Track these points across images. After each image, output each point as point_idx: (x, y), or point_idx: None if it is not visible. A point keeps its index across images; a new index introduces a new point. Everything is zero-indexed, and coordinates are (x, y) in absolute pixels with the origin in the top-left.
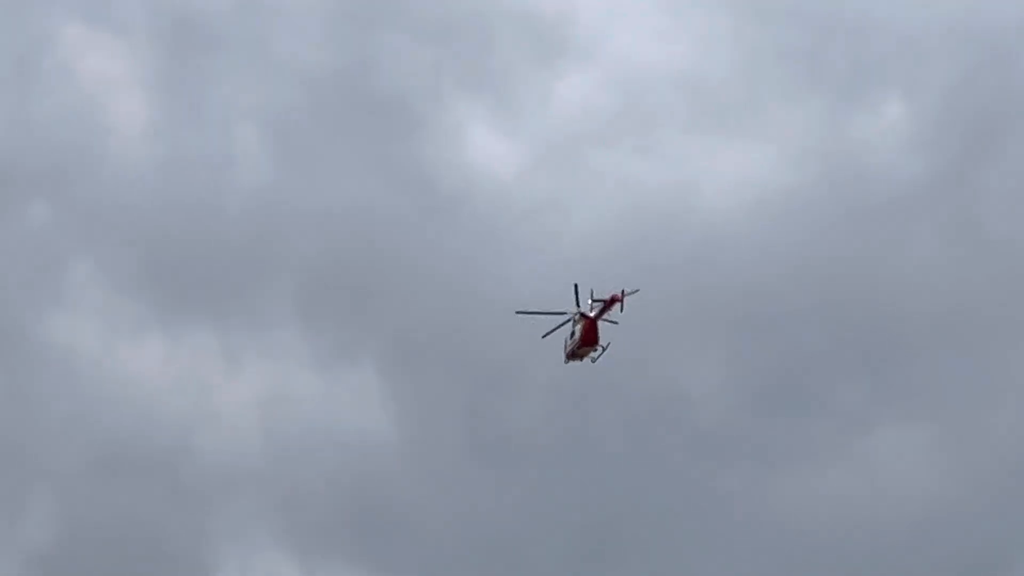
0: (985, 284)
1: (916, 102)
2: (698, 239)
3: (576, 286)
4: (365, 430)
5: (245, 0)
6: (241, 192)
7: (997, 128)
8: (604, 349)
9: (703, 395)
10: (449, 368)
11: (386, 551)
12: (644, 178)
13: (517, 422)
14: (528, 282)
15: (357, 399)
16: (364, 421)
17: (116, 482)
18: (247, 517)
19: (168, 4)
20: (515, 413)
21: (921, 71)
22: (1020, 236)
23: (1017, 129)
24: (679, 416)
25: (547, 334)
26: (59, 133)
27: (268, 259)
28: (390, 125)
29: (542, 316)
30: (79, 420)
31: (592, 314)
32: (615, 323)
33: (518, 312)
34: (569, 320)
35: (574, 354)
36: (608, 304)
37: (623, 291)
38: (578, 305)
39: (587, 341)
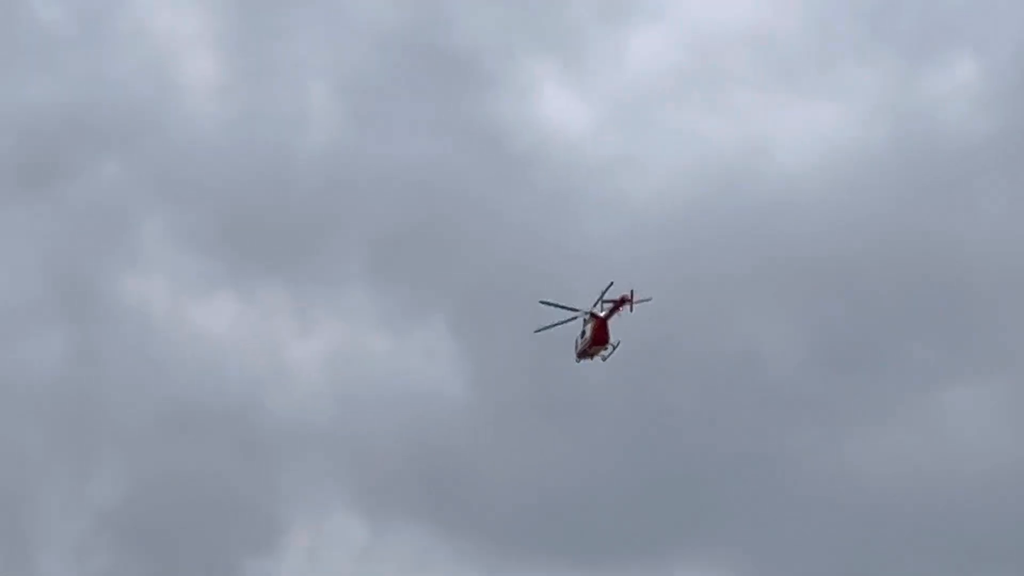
0: None
1: (987, 60)
2: (768, 197)
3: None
4: (435, 388)
5: None
6: (313, 150)
7: None
8: (615, 348)
9: (774, 353)
10: (520, 326)
11: (455, 510)
12: (715, 136)
13: (587, 379)
14: (598, 240)
15: (427, 357)
16: (434, 379)
17: (187, 440)
18: (317, 475)
19: None
20: (585, 370)
21: (993, 28)
22: None
23: None
24: (750, 374)
25: (539, 330)
26: (131, 91)
27: (339, 217)
28: (462, 83)
29: (561, 310)
30: (150, 378)
31: (603, 314)
32: (649, 299)
33: (542, 302)
34: (579, 319)
35: (585, 353)
36: (618, 304)
37: (632, 292)
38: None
39: (597, 340)
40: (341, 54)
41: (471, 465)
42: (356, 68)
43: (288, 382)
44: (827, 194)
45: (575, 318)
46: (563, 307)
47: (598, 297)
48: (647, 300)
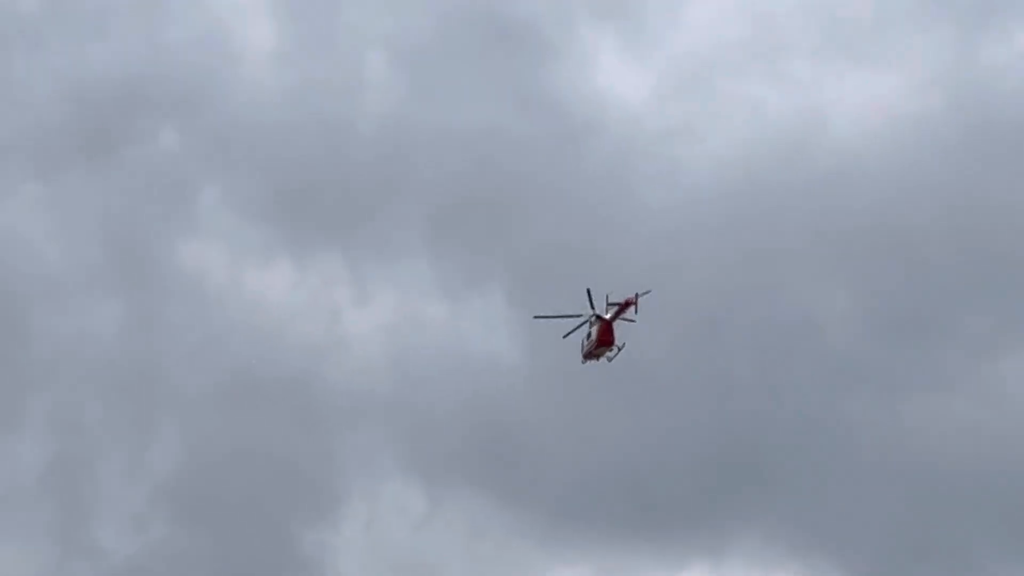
0: None
1: None
2: (826, 166)
3: (588, 291)
4: (492, 357)
5: None
6: (371, 118)
7: None
8: (620, 349)
9: (832, 322)
10: (578, 295)
11: (512, 479)
12: (772, 106)
13: (647, 348)
14: (655, 209)
15: (485, 326)
16: (491, 348)
17: (245, 409)
18: (374, 445)
19: None
20: (645, 339)
21: None
22: None
23: None
24: (808, 344)
25: (568, 334)
26: (190, 60)
27: (397, 185)
28: (522, 51)
29: (560, 319)
30: (209, 347)
31: (608, 316)
32: (632, 321)
33: (536, 317)
34: (586, 321)
35: (591, 354)
36: (623, 307)
37: (636, 294)
38: (592, 308)
39: (603, 342)
40: (400, 22)
41: (528, 434)
42: (414, 37)
43: (346, 351)
44: (884, 163)
45: (580, 318)
46: (557, 317)
47: (603, 300)
48: (647, 293)
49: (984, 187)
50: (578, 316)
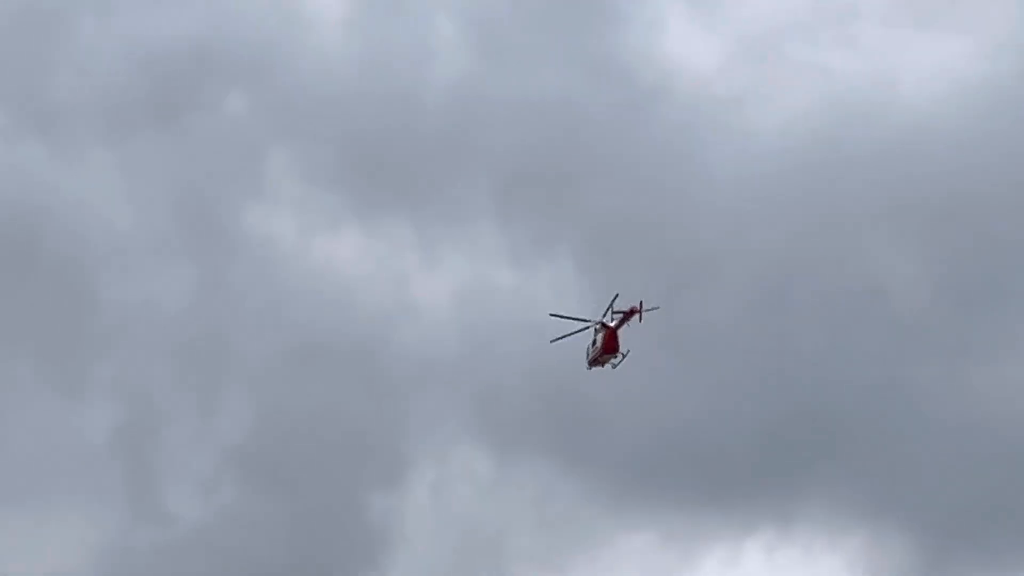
0: None
1: None
2: (895, 131)
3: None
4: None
5: None
6: (440, 84)
7: None
8: (624, 356)
9: (900, 288)
10: (646, 261)
11: (580, 445)
12: (842, 70)
13: (714, 315)
14: (724, 175)
15: (554, 292)
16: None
17: (313, 375)
18: (442, 410)
19: None
20: (712, 306)
21: None
22: None
23: None
24: (876, 310)
25: (556, 340)
26: (259, 25)
27: (466, 151)
28: (590, 18)
29: (571, 321)
30: (277, 312)
31: (613, 324)
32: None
33: (551, 315)
34: (590, 328)
35: (596, 361)
36: (627, 315)
37: (641, 303)
38: (612, 311)
39: (608, 349)
40: None
41: (597, 400)
42: (484, 4)
43: (414, 317)
44: (954, 128)
45: (587, 328)
46: (572, 319)
47: (607, 308)
48: (655, 308)
49: None
50: (587, 321)
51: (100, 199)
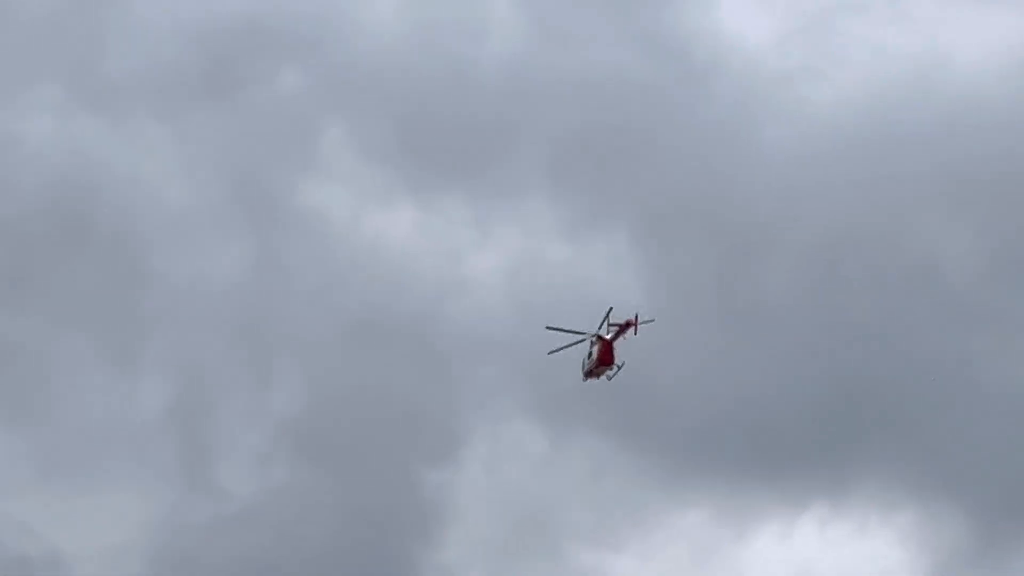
0: None
1: None
2: (950, 107)
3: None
4: (615, 298)
5: None
6: (495, 59)
7: None
8: (619, 368)
9: (953, 263)
10: (701, 236)
11: (634, 420)
12: (896, 46)
13: (768, 290)
14: (779, 150)
15: (608, 266)
16: (614, 289)
17: (366, 350)
18: (496, 385)
19: None
20: (766, 281)
21: None
22: None
23: None
24: (929, 284)
25: (553, 351)
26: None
27: (521, 127)
28: None
29: (568, 333)
30: (330, 287)
31: (608, 337)
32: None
33: (548, 327)
34: (586, 340)
35: (591, 372)
36: (623, 328)
37: (636, 315)
38: (608, 324)
39: (603, 362)
40: None
41: (648, 376)
42: None
43: (468, 292)
44: (1009, 104)
45: (583, 335)
46: (569, 331)
47: (602, 320)
48: (650, 321)
49: None
50: (583, 333)
51: (154, 174)
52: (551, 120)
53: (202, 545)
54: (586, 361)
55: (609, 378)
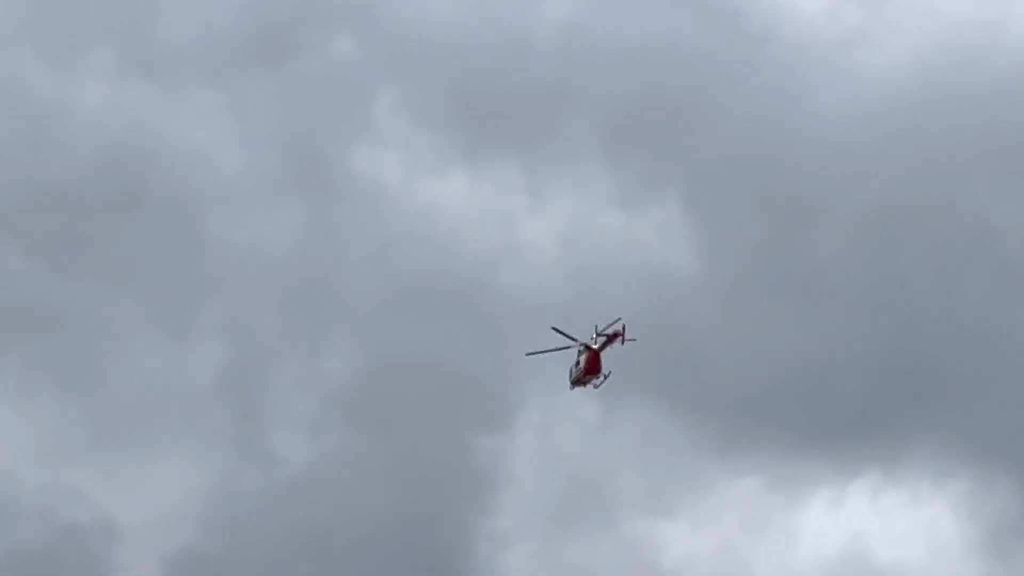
0: None
1: None
2: (1005, 73)
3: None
4: (668, 265)
5: None
6: (549, 26)
7: None
8: (606, 377)
9: (1008, 229)
10: (754, 203)
11: (686, 388)
12: (951, 12)
13: (822, 257)
14: (832, 117)
15: (661, 233)
16: (667, 256)
17: (419, 317)
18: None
19: None
20: (820, 248)
21: None
22: None
23: None
24: (985, 251)
25: (531, 353)
26: None
27: (574, 94)
28: None
29: (553, 350)
30: (383, 254)
31: (596, 346)
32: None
33: (528, 354)
34: (573, 349)
35: (578, 381)
36: (611, 338)
37: (623, 326)
38: (576, 341)
39: (590, 371)
40: None
41: (703, 343)
42: None
43: (521, 259)
44: None
45: (573, 345)
46: (568, 336)
47: (594, 331)
48: (633, 340)
49: None
50: (567, 348)
51: (207, 141)
52: (605, 87)
53: (255, 512)
54: (573, 369)
55: (596, 386)
